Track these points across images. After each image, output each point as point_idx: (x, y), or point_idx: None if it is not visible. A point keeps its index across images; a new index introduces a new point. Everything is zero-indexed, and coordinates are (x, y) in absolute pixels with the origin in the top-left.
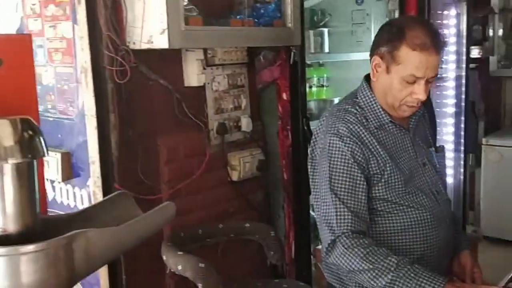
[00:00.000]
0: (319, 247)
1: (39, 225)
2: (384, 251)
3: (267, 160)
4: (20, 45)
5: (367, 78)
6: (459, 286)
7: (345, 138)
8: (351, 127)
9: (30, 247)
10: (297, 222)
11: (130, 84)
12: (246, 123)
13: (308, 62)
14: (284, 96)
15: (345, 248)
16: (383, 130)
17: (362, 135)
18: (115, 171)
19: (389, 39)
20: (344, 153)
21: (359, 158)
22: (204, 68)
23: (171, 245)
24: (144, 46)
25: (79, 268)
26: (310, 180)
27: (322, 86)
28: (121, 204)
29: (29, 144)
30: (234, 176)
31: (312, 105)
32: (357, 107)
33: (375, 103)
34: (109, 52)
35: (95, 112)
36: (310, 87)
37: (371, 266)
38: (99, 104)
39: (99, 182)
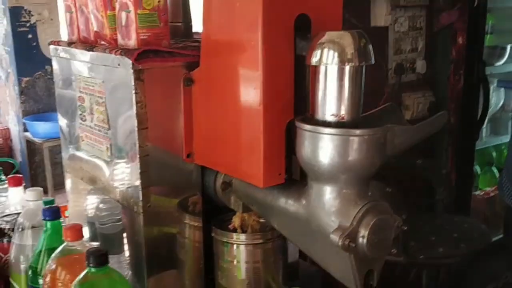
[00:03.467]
0: (477, 192)
1: (360, 117)
2: None
3: (437, 102)
4: None
5: None
6: None
7: None
8: None
9: (365, 131)
10: (459, 166)
11: None
12: (421, 65)
13: None
14: (460, 40)
15: None
16: None
17: None
18: None
19: None
20: None
21: None
22: (392, 9)
23: None
24: None
25: (387, 153)
26: None
27: (487, 33)
28: (391, 113)
29: (364, 51)
30: (407, 115)
31: None
32: None
33: None
34: None
35: None
36: None
37: None
38: None
39: None
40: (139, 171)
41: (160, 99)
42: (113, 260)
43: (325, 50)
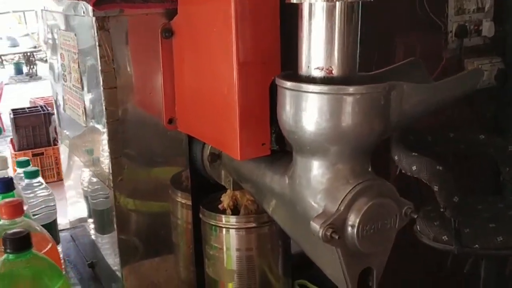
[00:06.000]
0: None
1: (356, 74)
2: None
3: (506, 70)
4: None
5: None
6: None
7: None
8: None
9: (357, 88)
10: None
11: None
12: (488, 27)
13: None
14: None
15: None
16: None
17: None
18: None
19: None
20: None
21: None
22: None
23: (403, 146)
24: None
25: (392, 119)
26: None
27: None
28: (413, 70)
29: None
30: None
31: None
32: None
33: None
34: None
35: None
36: None
37: None
38: None
39: None
40: (106, 138)
41: (133, 53)
42: (105, 240)
43: None
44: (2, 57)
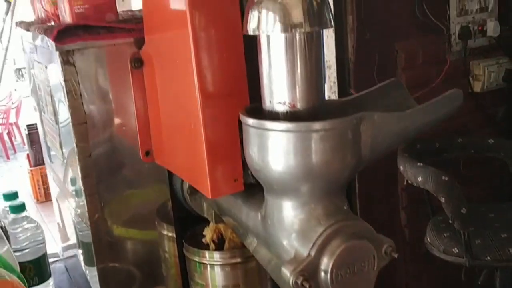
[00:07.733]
0: None
1: (323, 105)
2: None
3: None
4: None
5: None
6: None
7: None
8: None
9: (322, 124)
10: None
11: None
12: (492, 27)
13: None
14: None
15: None
16: None
17: None
18: (351, 76)
19: None
20: None
21: None
22: None
23: (408, 156)
24: None
25: (364, 153)
26: None
27: None
28: (393, 92)
29: (317, 12)
30: (477, 87)
31: None
32: None
33: None
34: None
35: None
36: None
37: None
38: (337, 6)
39: (335, 87)
40: (80, 175)
41: (104, 86)
42: (93, 273)
43: (264, 12)
44: (22, 70)
